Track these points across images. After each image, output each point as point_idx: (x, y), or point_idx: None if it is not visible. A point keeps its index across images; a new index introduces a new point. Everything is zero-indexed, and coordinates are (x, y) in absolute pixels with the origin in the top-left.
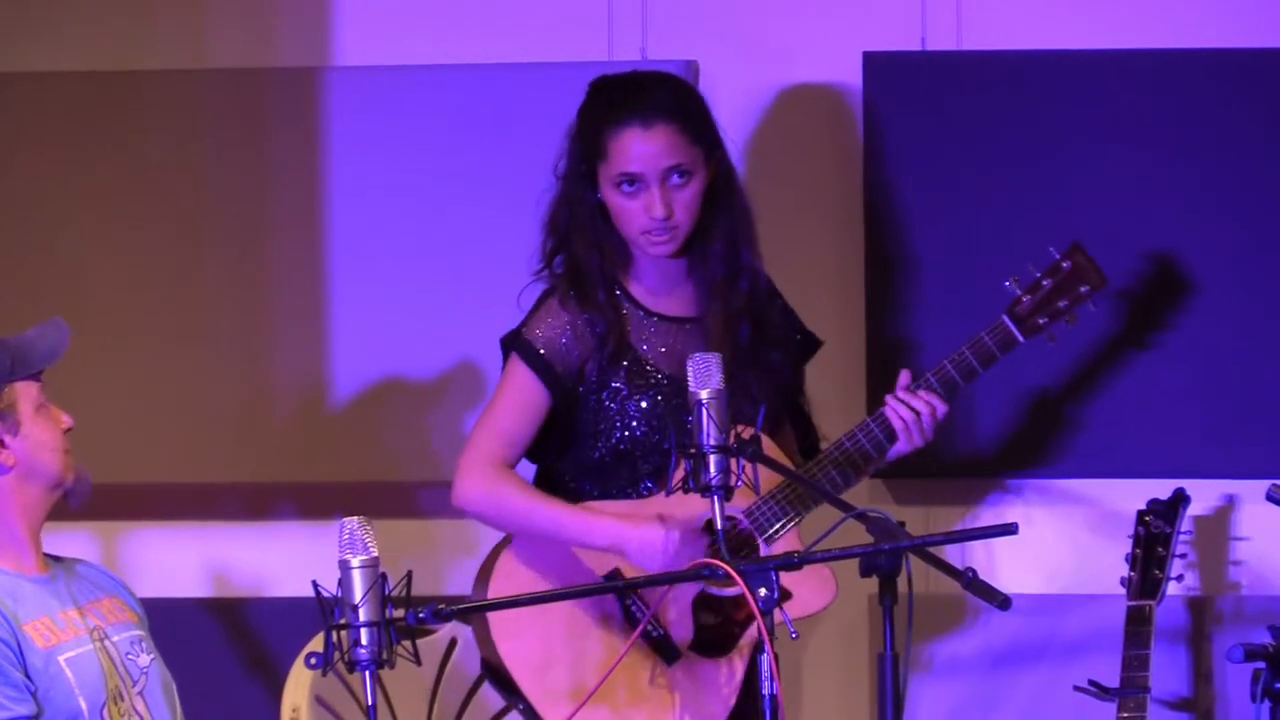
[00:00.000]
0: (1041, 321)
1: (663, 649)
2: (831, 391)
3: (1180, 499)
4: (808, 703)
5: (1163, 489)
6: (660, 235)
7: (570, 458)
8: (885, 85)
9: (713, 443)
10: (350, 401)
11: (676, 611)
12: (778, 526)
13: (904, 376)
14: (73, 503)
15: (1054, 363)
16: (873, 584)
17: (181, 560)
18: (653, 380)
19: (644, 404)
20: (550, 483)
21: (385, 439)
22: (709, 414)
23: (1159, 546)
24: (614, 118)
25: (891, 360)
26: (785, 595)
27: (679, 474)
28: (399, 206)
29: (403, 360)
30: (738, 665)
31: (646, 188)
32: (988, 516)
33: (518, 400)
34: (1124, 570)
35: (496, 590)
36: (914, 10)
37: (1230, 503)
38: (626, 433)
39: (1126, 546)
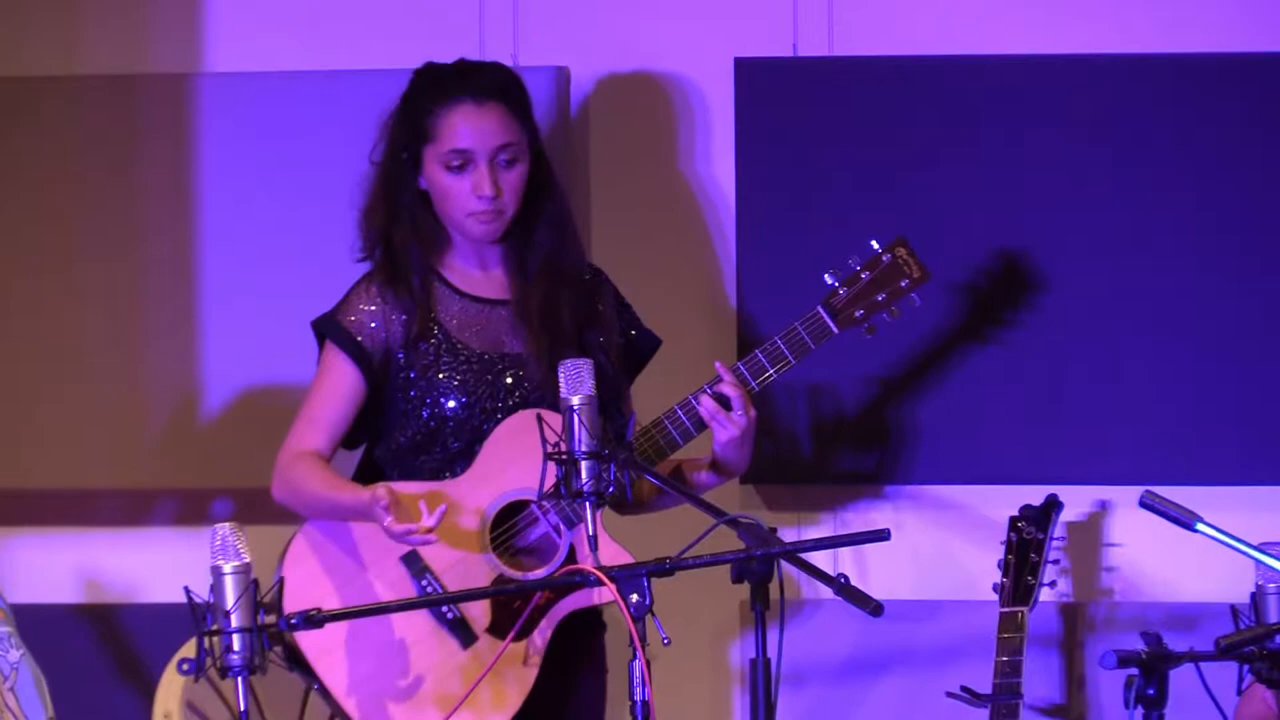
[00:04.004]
0: (858, 314)
1: (459, 631)
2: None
3: (1053, 505)
4: (677, 709)
5: (1035, 495)
6: (487, 216)
7: (384, 444)
8: (757, 91)
9: (584, 448)
10: (225, 407)
11: None
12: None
13: (719, 369)
14: None
15: (925, 369)
16: (744, 590)
17: (55, 566)
18: (461, 357)
19: (454, 381)
20: (371, 472)
21: (260, 444)
22: (580, 420)
23: (1032, 553)
24: (445, 97)
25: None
26: None
27: (550, 479)
28: (271, 211)
29: (276, 365)
30: (536, 648)
31: (475, 166)
32: (860, 523)
33: (332, 384)
34: (997, 576)
35: (289, 573)
36: (785, 16)
37: (1103, 509)
38: (436, 409)
39: (999, 553)
